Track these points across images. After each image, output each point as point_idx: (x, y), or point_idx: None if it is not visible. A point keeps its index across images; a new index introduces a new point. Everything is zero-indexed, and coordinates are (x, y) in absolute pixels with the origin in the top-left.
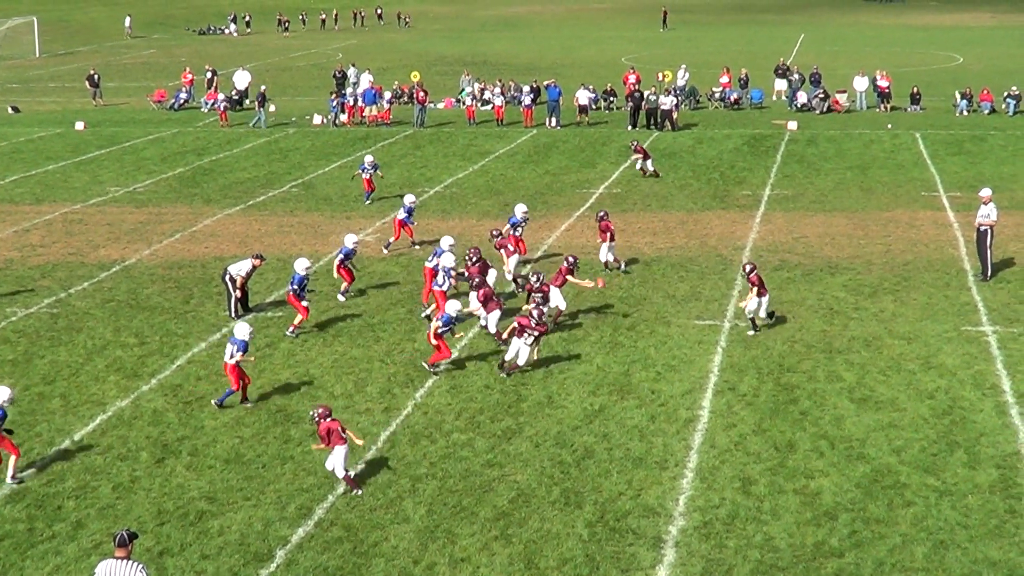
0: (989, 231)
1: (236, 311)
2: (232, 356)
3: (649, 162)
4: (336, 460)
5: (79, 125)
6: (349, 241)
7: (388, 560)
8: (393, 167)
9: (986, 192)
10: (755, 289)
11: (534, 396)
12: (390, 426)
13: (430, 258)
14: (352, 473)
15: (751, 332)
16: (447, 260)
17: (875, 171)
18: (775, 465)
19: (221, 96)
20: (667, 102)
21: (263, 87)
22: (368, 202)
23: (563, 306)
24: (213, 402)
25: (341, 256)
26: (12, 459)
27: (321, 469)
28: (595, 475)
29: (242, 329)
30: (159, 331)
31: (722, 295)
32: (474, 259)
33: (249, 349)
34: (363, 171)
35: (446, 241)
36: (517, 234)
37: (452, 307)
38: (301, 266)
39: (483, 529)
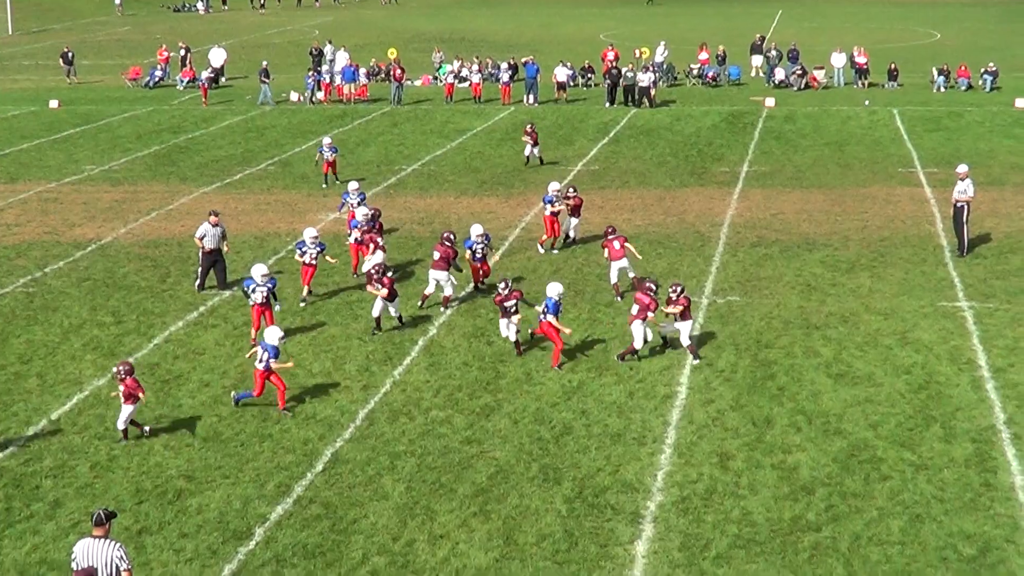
0: (966, 207)
1: (203, 285)
2: (261, 361)
3: (537, 149)
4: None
5: (53, 103)
6: (308, 235)
7: (367, 537)
8: (370, 145)
9: (963, 168)
10: (680, 311)
11: (512, 373)
12: (368, 404)
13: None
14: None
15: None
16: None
17: (852, 147)
18: (753, 440)
19: (205, 73)
20: (645, 79)
21: (265, 62)
22: (325, 186)
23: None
24: (232, 394)
25: (317, 251)
26: None
27: (300, 447)
28: (573, 451)
29: (272, 334)
30: (136, 310)
31: (700, 271)
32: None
33: (281, 355)
34: (321, 153)
35: (308, 233)
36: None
37: (553, 290)
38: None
39: (462, 506)
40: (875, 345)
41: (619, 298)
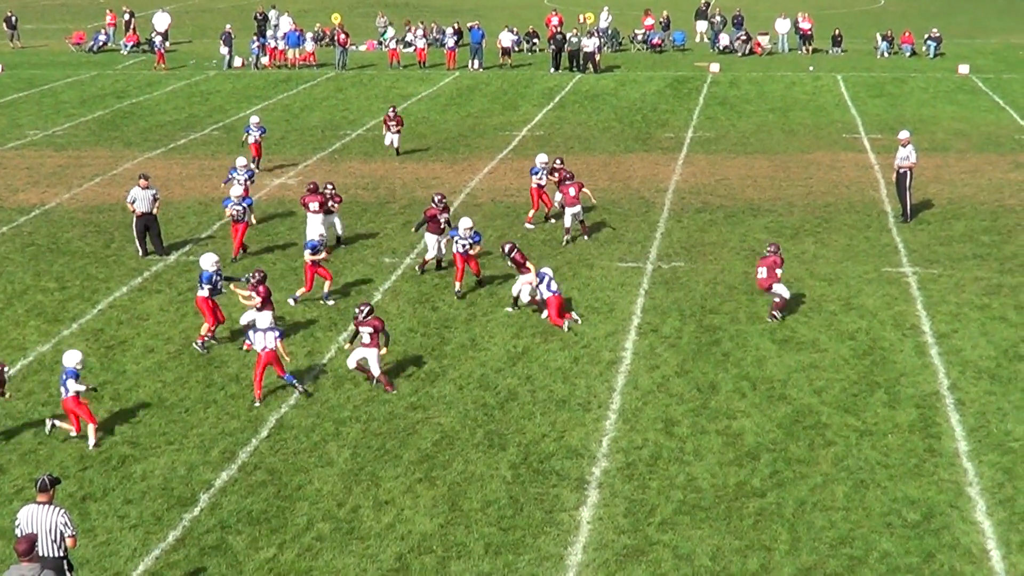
0: (908, 173)
1: (145, 250)
2: (272, 344)
3: (397, 137)
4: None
5: None
6: (208, 263)
7: (312, 503)
8: (315, 110)
9: (904, 134)
10: (518, 268)
11: (457, 339)
12: (313, 370)
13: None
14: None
15: (508, 309)
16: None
17: (796, 113)
18: (697, 406)
19: (158, 39)
20: (590, 44)
21: (228, 26)
22: (257, 168)
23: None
24: (284, 378)
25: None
26: None
27: (244, 413)
28: (518, 417)
29: (265, 318)
30: (80, 275)
31: (644, 237)
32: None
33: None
34: (248, 133)
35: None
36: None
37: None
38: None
39: (407, 472)
40: (820, 311)
41: (568, 242)
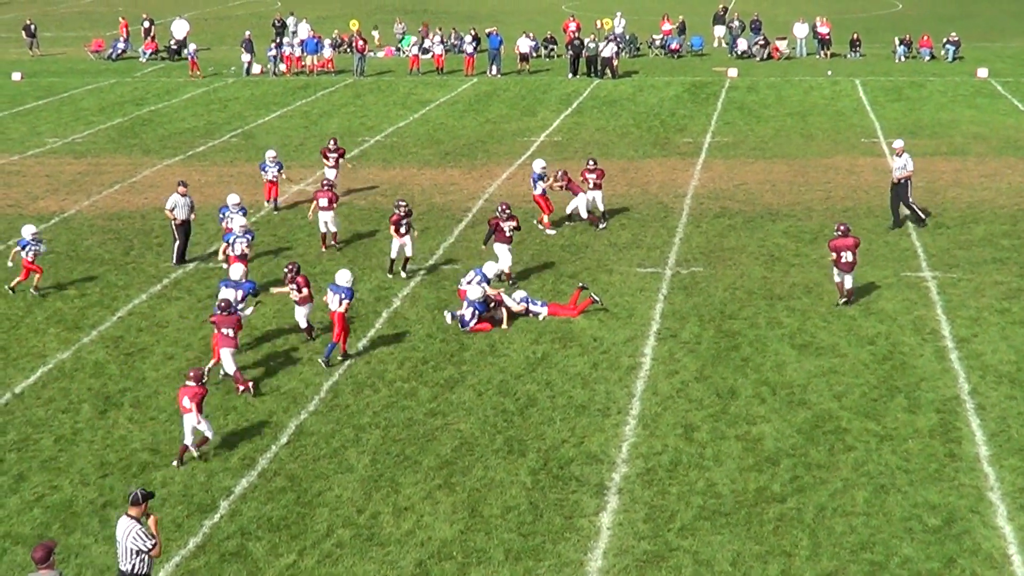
0: (907, 182)
1: (180, 257)
2: (340, 304)
3: (335, 173)
4: None
5: (16, 76)
6: (27, 232)
7: (332, 510)
8: (333, 116)
9: (899, 144)
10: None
11: (476, 345)
12: (333, 376)
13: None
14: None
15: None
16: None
17: (815, 118)
18: (717, 412)
19: (192, 46)
20: (607, 49)
21: (248, 33)
22: (275, 210)
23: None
24: (320, 360)
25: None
26: None
27: (264, 419)
28: (538, 423)
29: (344, 276)
30: (99, 283)
31: (663, 243)
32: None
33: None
34: (264, 171)
35: (231, 199)
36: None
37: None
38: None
39: (426, 478)
40: (839, 316)
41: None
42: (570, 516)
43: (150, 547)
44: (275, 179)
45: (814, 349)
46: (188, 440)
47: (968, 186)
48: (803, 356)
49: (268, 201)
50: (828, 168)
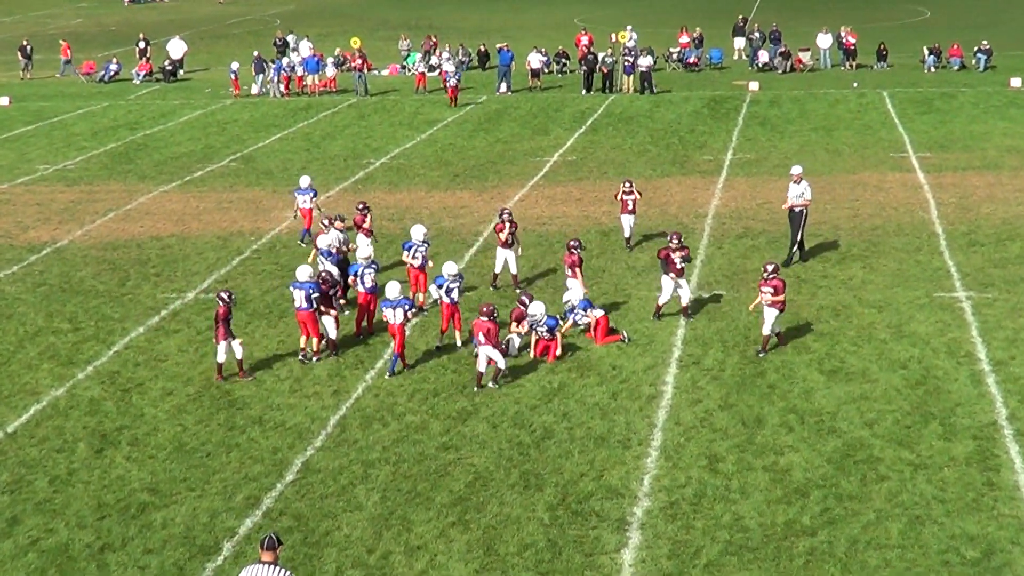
0: (804, 211)
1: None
2: (403, 317)
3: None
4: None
5: (3, 100)
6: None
7: (341, 550)
8: (337, 138)
9: (797, 170)
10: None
11: (490, 375)
12: (340, 410)
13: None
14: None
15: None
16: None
17: (841, 132)
18: (743, 441)
19: (236, 65)
20: (644, 63)
21: (256, 52)
22: (305, 239)
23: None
24: (387, 375)
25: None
26: None
27: (269, 456)
28: (555, 456)
29: (394, 288)
30: (94, 316)
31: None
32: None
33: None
34: (297, 197)
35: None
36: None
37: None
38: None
39: (440, 515)
40: (869, 339)
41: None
42: (590, 553)
43: None
44: (309, 207)
45: (844, 374)
46: (482, 367)
47: (1003, 201)
48: (832, 382)
49: (307, 230)
50: (855, 184)
